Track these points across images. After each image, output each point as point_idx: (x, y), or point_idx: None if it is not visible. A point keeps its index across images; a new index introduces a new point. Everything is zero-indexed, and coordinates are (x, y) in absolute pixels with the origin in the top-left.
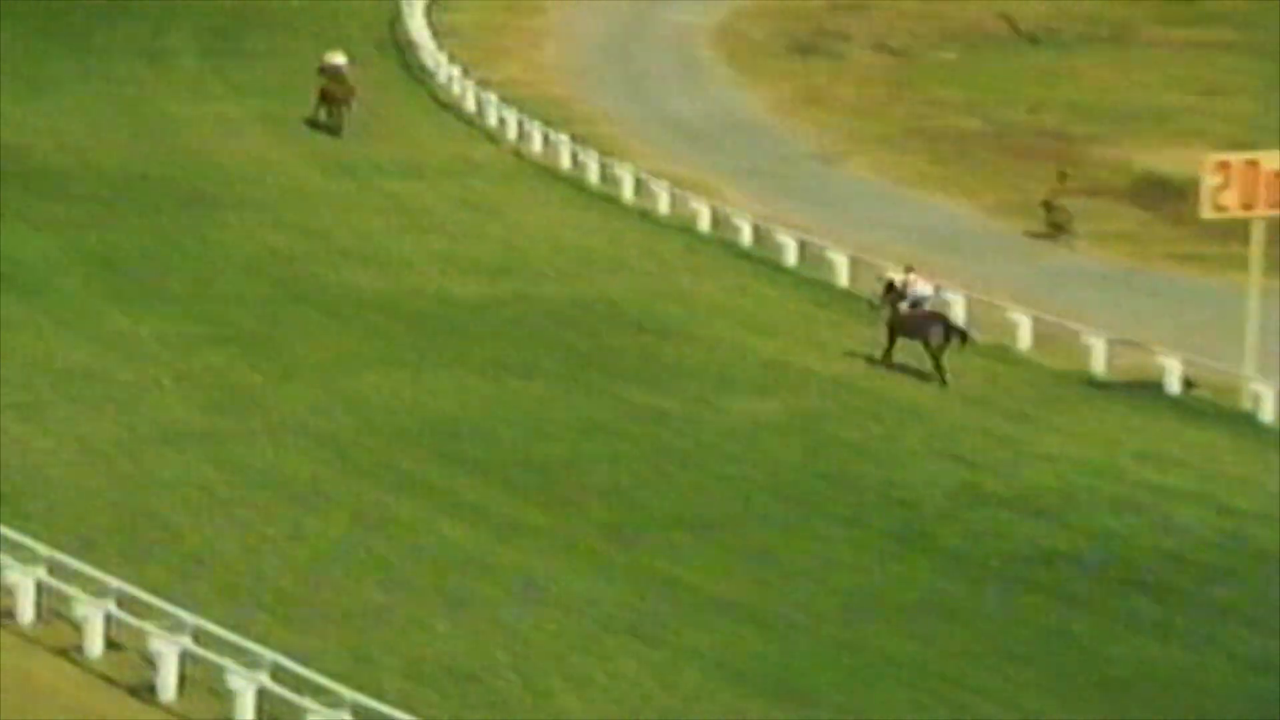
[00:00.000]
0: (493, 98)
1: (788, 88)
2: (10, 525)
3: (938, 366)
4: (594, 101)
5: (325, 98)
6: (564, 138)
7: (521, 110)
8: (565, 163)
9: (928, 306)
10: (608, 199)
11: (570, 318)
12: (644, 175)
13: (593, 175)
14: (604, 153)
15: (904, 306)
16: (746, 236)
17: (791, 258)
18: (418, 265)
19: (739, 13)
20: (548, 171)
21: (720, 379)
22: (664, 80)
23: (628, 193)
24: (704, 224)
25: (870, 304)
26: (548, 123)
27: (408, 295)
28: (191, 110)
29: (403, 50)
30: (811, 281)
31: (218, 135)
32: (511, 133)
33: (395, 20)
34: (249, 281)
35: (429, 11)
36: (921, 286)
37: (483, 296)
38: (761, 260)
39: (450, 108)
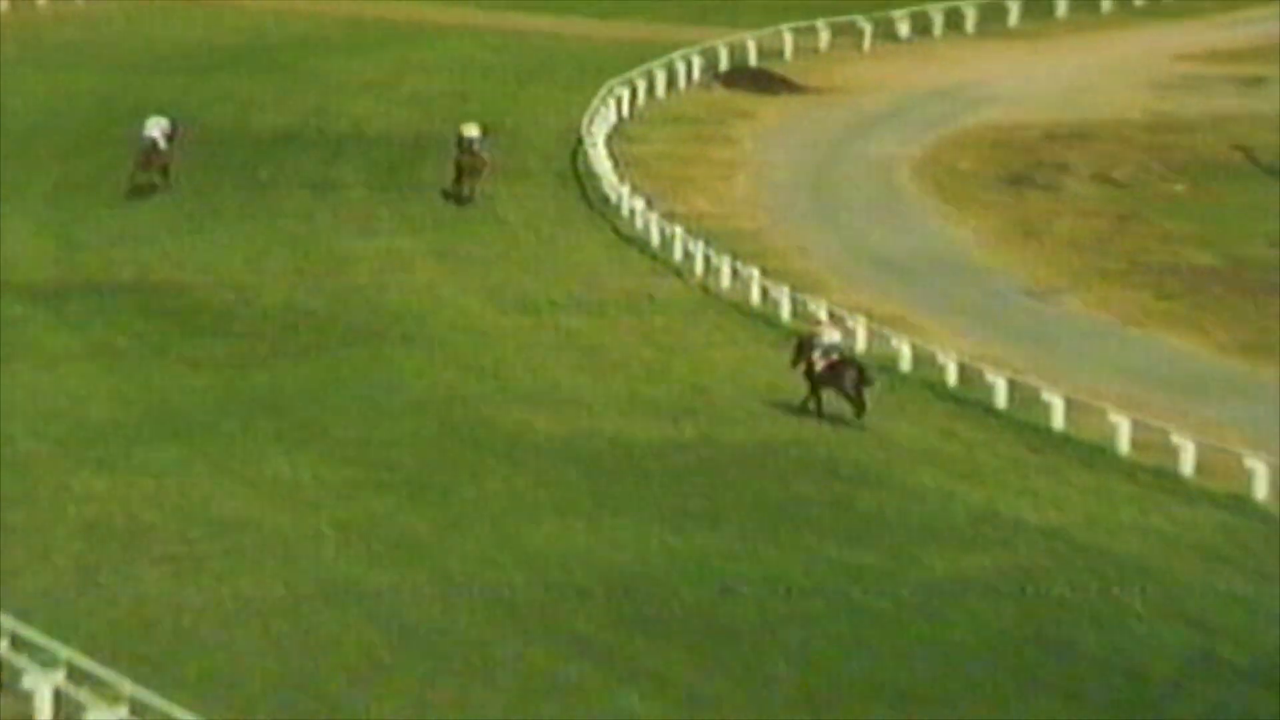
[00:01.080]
0: (679, 231)
1: (999, 220)
2: (160, 694)
3: (858, 405)
4: (787, 235)
5: (458, 169)
6: (754, 272)
7: (709, 244)
8: (755, 298)
9: (836, 356)
10: (801, 336)
11: (759, 463)
12: (840, 311)
13: (785, 311)
14: (797, 288)
15: (816, 356)
16: (952, 375)
17: (1001, 399)
18: (596, 406)
19: (945, 143)
20: (736, 308)
21: (923, 531)
22: (863, 213)
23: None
24: (905, 362)
25: (791, 363)
26: (737, 257)
27: (584, 438)
28: (360, 245)
29: (583, 182)
30: (1023, 424)
31: (387, 270)
32: (698, 267)
33: (576, 151)
34: (416, 423)
35: (611, 142)
36: (829, 335)
37: (665, 440)
38: (968, 401)
39: (633, 241)
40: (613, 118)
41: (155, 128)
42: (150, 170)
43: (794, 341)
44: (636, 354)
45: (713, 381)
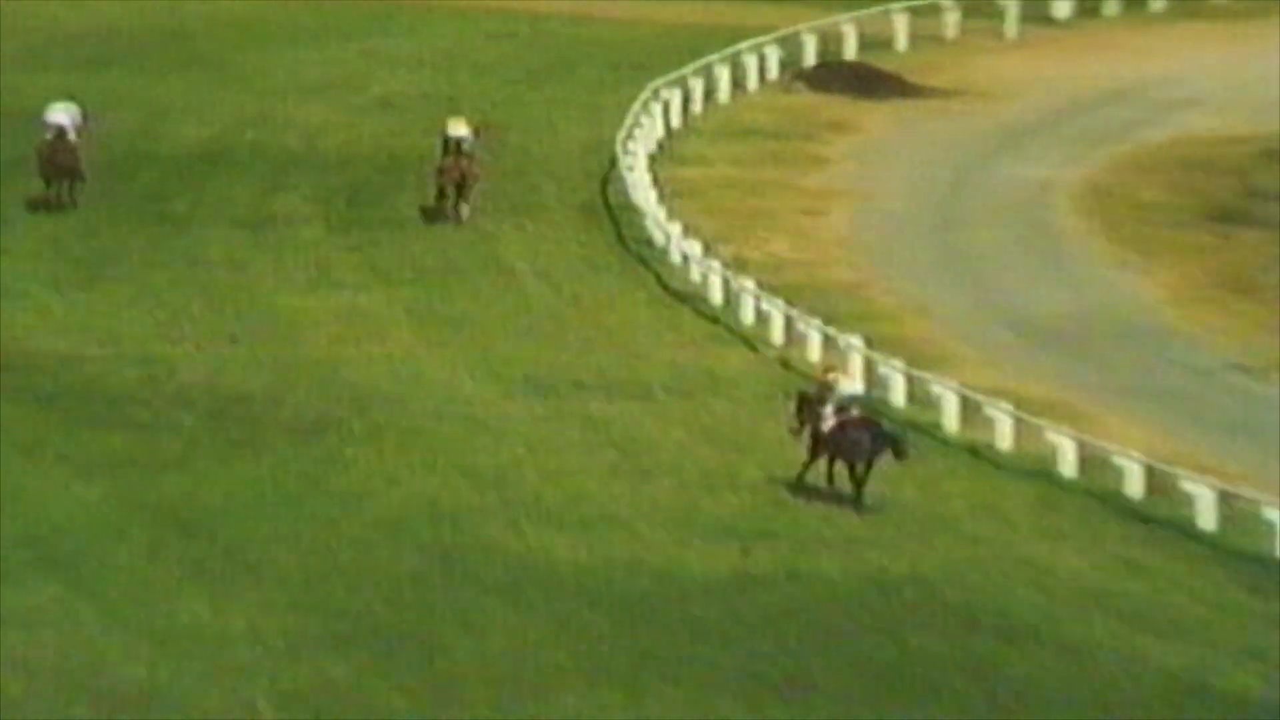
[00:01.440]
0: (749, 284)
1: (1197, 270)
2: None
3: (857, 488)
4: (900, 290)
5: (442, 182)
6: (854, 341)
7: (791, 302)
8: (857, 375)
9: (856, 412)
10: (921, 429)
11: (862, 607)
12: (975, 395)
13: (898, 394)
14: (915, 363)
15: (827, 413)
16: (1135, 484)
17: (1207, 518)
18: (636, 527)
19: (1119, 164)
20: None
21: (1097, 706)
22: (1006, 260)
23: (951, 420)
24: (1068, 466)
25: (791, 430)
26: (830, 320)
27: (621, 571)
28: (313, 302)
29: (618, 218)
30: (1238, 554)
31: (351, 338)
32: (776, 334)
33: (608, 176)
34: (389, 550)
35: (656, 164)
36: (846, 384)
37: (731, 573)
38: (1159, 520)
39: (686, 298)
40: (658, 130)
41: (61, 114)
42: (58, 174)
43: (795, 398)
44: (691, 453)
45: (796, 492)
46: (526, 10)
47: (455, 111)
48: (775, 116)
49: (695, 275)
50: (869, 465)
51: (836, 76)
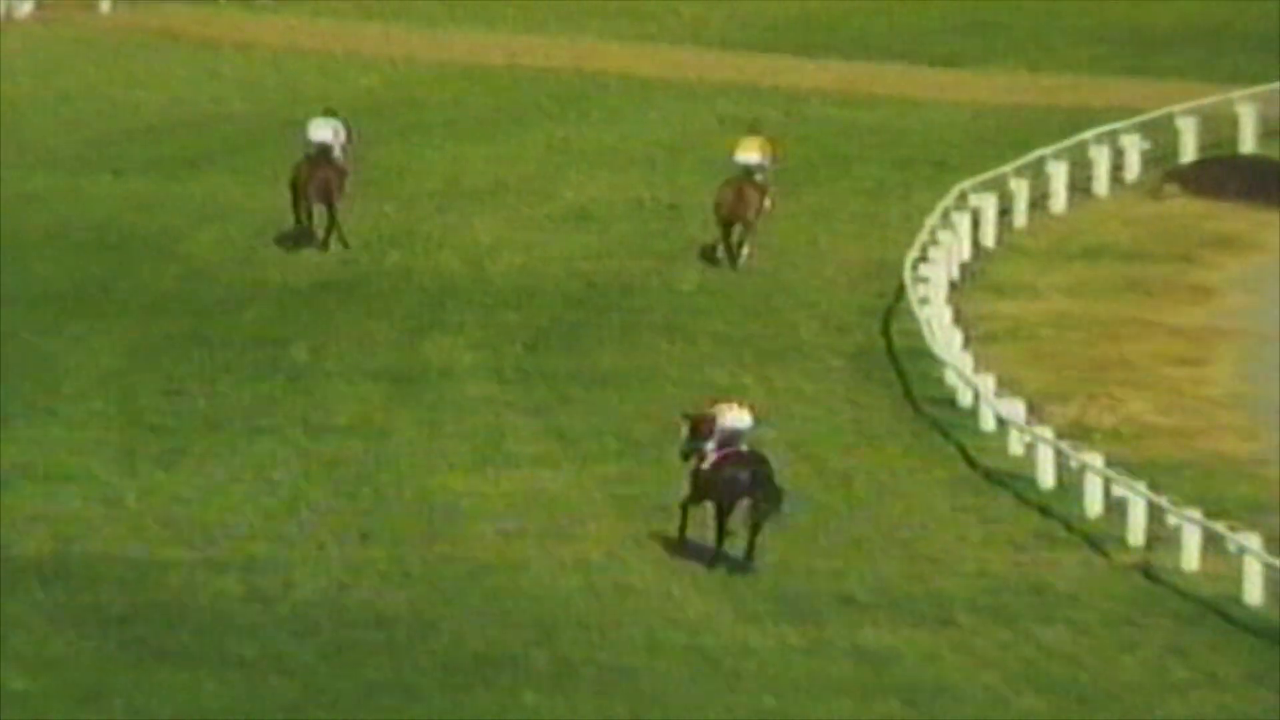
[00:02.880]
0: (1094, 461)
1: None
2: None
3: (748, 546)
4: None
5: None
6: (1253, 543)
7: (1154, 484)
8: (1256, 594)
9: (743, 446)
10: None
11: None
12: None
13: None
14: None
15: (708, 449)
16: None
17: None
18: None
19: None
20: (1217, 609)
21: None
22: None
23: None
24: None
25: (683, 455)
26: (1215, 511)
27: None
28: (479, 484)
29: (905, 368)
30: None
31: (531, 534)
32: (1135, 531)
33: (892, 312)
34: None
35: (961, 294)
36: (734, 417)
37: None
38: None
39: (1003, 481)
40: (964, 250)
41: (324, 129)
42: (319, 198)
43: (684, 425)
44: (1011, 706)
45: None
46: (778, 87)
47: (754, 130)
48: (1135, 231)
49: (1016, 448)
50: (755, 517)
51: (1226, 176)
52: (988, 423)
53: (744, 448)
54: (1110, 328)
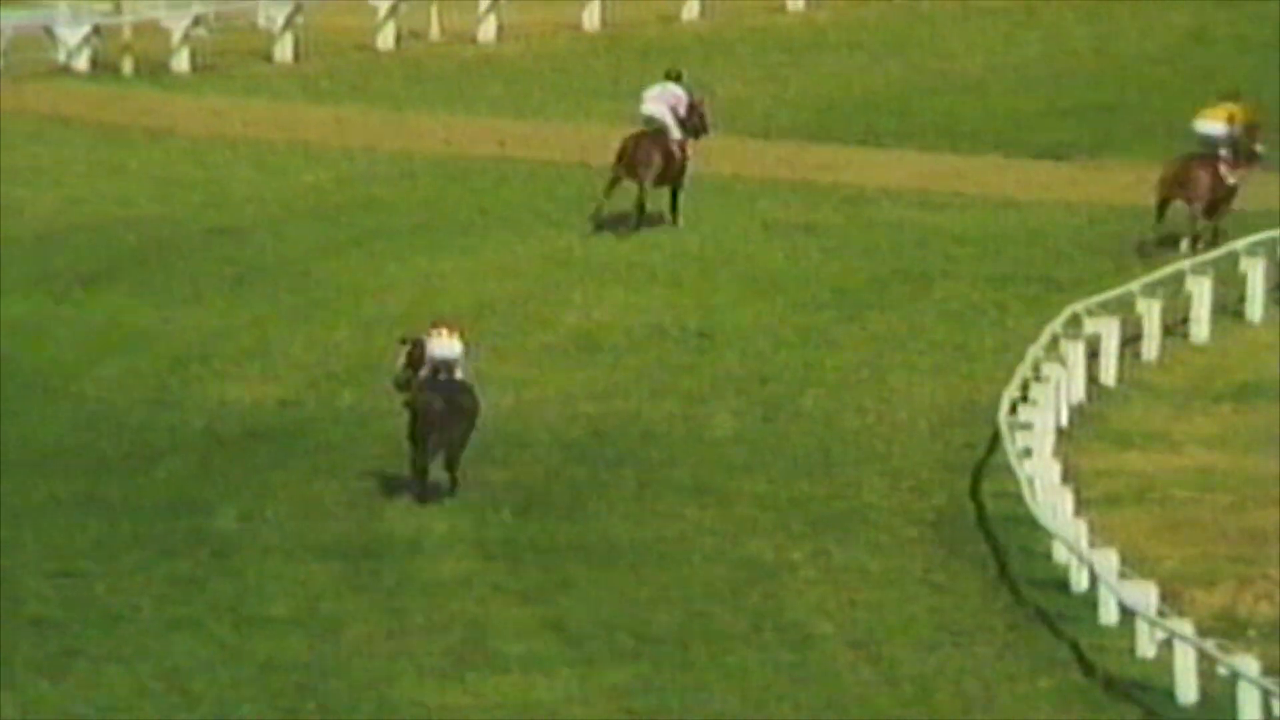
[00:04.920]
0: (1250, 665)
1: None
2: None
3: (449, 472)
4: None
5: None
6: None
7: None
8: None
9: (453, 375)
10: None
11: None
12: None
13: None
14: None
15: (422, 378)
16: None
17: None
18: None
19: None
20: None
21: None
22: None
23: None
24: None
25: (396, 385)
26: None
27: None
28: (459, 697)
29: (1001, 540)
30: None
31: None
32: None
33: (983, 467)
34: None
35: (1071, 446)
36: (445, 344)
37: None
38: None
39: (1129, 691)
40: (1077, 388)
41: (658, 103)
42: (647, 176)
43: (402, 352)
44: None
45: None
46: (838, 184)
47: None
48: None
49: (1147, 648)
50: (448, 450)
51: None
52: (1109, 614)
53: (455, 375)
54: (1267, 489)
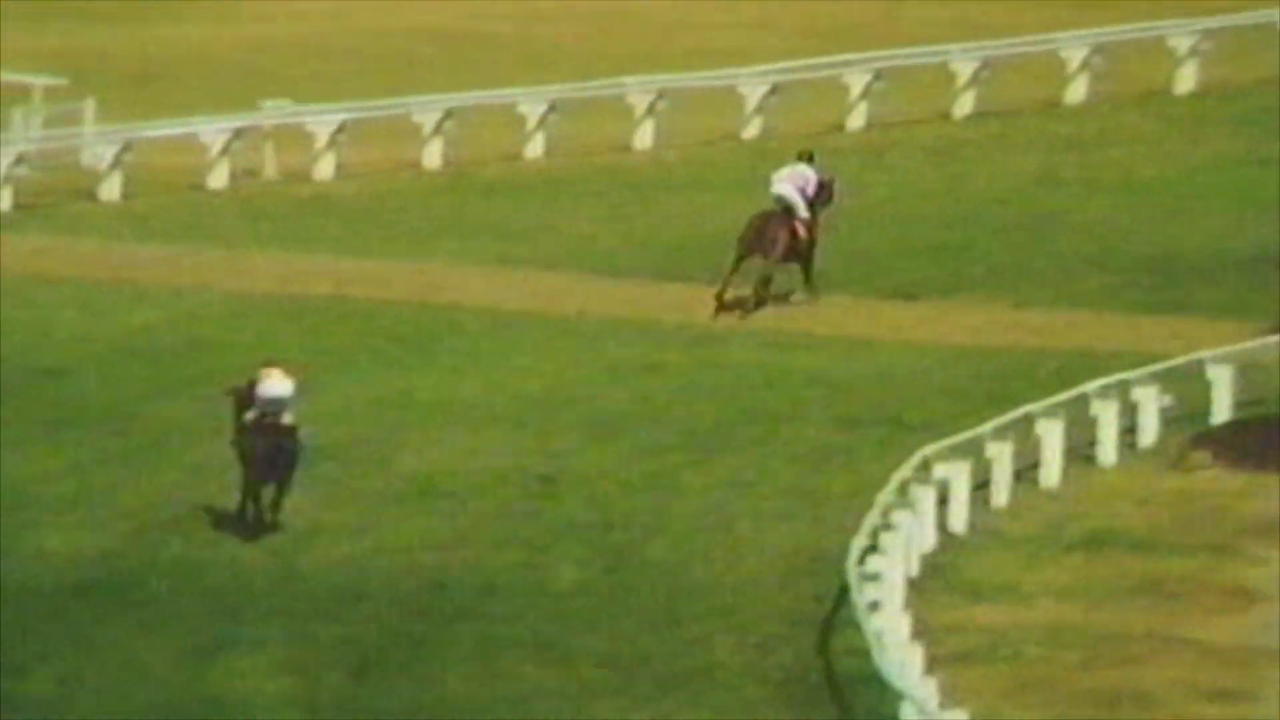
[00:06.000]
0: None
1: None
2: None
3: (259, 511)
4: None
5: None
6: None
7: None
8: None
9: (279, 418)
10: None
11: None
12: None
13: None
14: None
15: (249, 419)
16: None
17: None
18: None
19: None
20: None
21: None
22: None
23: None
24: None
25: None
26: None
27: None
28: None
29: (850, 699)
30: None
31: None
32: None
33: (832, 621)
34: None
35: (922, 598)
36: (275, 385)
37: None
38: None
39: None
40: (928, 537)
41: (788, 183)
42: (769, 260)
43: (232, 400)
44: None
45: None
46: (687, 325)
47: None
48: (1153, 513)
49: None
50: (278, 483)
51: (1271, 441)
52: None
53: (282, 418)
54: (1120, 645)
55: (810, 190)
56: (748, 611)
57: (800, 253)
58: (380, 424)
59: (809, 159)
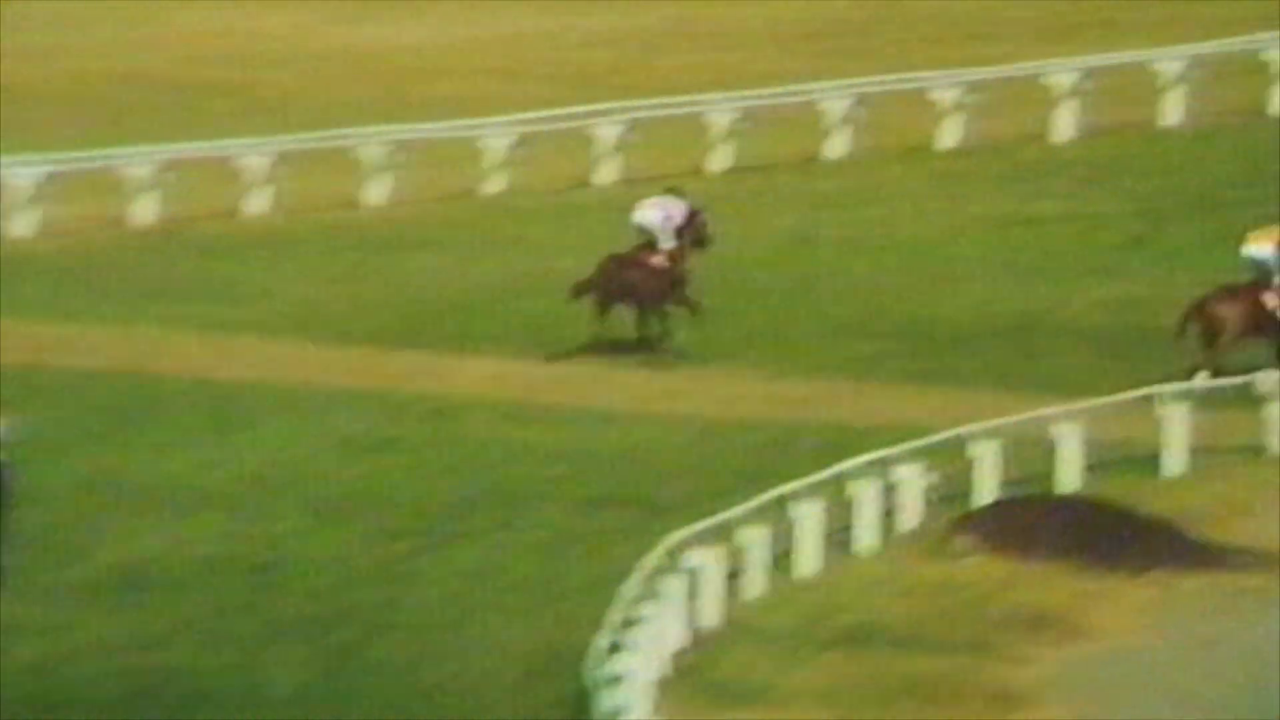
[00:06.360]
0: None
1: None
2: None
3: None
4: None
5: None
6: None
7: None
8: None
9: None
10: None
11: None
12: None
13: None
14: None
15: None
16: None
17: None
18: None
19: None
20: None
21: None
22: None
23: None
24: None
25: None
26: None
27: None
28: None
29: None
30: None
31: None
32: None
33: None
34: None
35: (672, 701)
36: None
37: None
38: None
39: None
40: (678, 632)
41: (654, 209)
42: (623, 299)
43: None
44: None
45: None
46: (423, 395)
47: None
48: (914, 605)
49: None
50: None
51: (1039, 525)
52: None
53: None
54: None
55: (678, 220)
56: (482, 716)
57: (664, 290)
58: (80, 508)
59: (679, 194)
